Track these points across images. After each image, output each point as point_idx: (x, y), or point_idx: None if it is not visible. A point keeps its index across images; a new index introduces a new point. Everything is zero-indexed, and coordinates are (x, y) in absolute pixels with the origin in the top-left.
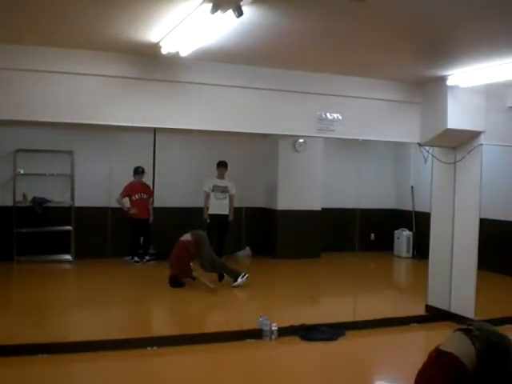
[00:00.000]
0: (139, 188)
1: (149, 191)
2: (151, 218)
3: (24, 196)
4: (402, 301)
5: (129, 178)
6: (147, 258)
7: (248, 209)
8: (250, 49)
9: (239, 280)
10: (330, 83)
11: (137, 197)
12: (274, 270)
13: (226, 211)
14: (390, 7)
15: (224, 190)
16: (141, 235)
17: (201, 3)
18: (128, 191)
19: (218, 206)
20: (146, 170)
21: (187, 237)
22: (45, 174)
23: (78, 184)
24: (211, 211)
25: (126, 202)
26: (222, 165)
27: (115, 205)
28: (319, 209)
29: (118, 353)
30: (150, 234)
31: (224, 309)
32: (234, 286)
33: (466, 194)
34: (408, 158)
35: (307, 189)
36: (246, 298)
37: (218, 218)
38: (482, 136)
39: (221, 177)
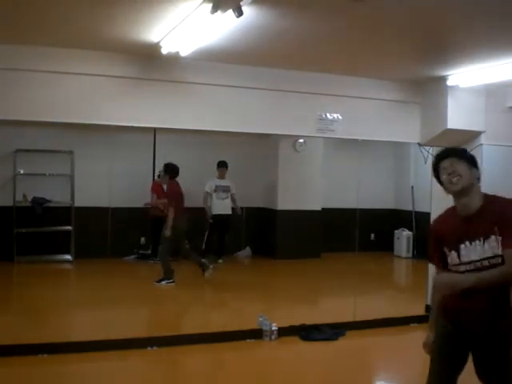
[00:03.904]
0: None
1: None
2: None
3: (24, 196)
4: (402, 301)
5: (131, 178)
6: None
7: (248, 209)
8: (250, 49)
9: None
10: (329, 83)
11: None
12: (274, 270)
13: (228, 211)
14: (389, 7)
15: (226, 189)
16: None
17: (201, 3)
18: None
19: (221, 206)
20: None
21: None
22: (45, 174)
23: (78, 184)
24: (215, 211)
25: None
26: (223, 165)
27: (115, 205)
28: (319, 209)
29: (118, 353)
30: None
31: (224, 309)
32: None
33: None
34: (408, 158)
35: (307, 189)
36: (246, 298)
37: (222, 218)
38: (482, 136)
39: (222, 177)
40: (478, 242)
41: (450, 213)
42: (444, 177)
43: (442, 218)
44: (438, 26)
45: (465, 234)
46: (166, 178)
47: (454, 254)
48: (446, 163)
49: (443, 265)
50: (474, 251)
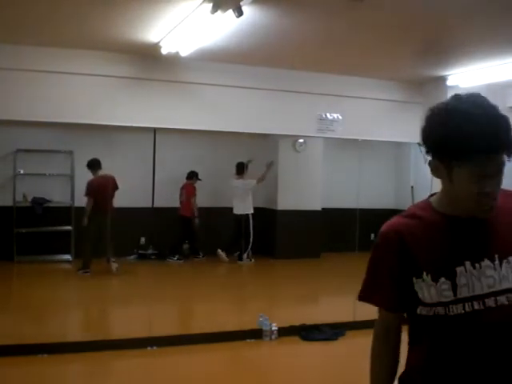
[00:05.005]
0: None
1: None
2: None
3: (24, 196)
4: None
5: (131, 178)
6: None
7: None
8: (251, 49)
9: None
10: (329, 83)
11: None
12: (274, 270)
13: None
14: (389, 7)
15: None
16: None
17: (201, 3)
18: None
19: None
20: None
21: None
22: (45, 174)
23: (78, 184)
24: (241, 211)
25: None
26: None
27: (115, 205)
28: (319, 209)
29: (118, 353)
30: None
31: (224, 309)
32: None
33: None
34: (408, 158)
35: (307, 189)
36: (246, 298)
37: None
38: None
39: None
40: (489, 262)
41: (426, 213)
42: (475, 188)
43: (411, 220)
44: (438, 26)
45: (465, 250)
46: (94, 172)
47: (443, 284)
48: (492, 169)
49: (397, 305)
50: (480, 279)
